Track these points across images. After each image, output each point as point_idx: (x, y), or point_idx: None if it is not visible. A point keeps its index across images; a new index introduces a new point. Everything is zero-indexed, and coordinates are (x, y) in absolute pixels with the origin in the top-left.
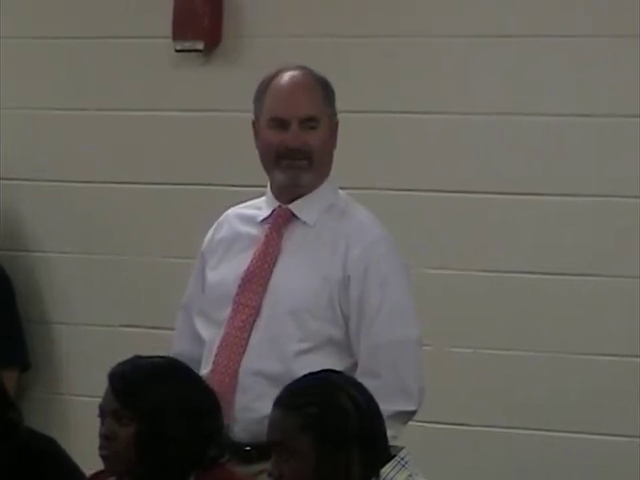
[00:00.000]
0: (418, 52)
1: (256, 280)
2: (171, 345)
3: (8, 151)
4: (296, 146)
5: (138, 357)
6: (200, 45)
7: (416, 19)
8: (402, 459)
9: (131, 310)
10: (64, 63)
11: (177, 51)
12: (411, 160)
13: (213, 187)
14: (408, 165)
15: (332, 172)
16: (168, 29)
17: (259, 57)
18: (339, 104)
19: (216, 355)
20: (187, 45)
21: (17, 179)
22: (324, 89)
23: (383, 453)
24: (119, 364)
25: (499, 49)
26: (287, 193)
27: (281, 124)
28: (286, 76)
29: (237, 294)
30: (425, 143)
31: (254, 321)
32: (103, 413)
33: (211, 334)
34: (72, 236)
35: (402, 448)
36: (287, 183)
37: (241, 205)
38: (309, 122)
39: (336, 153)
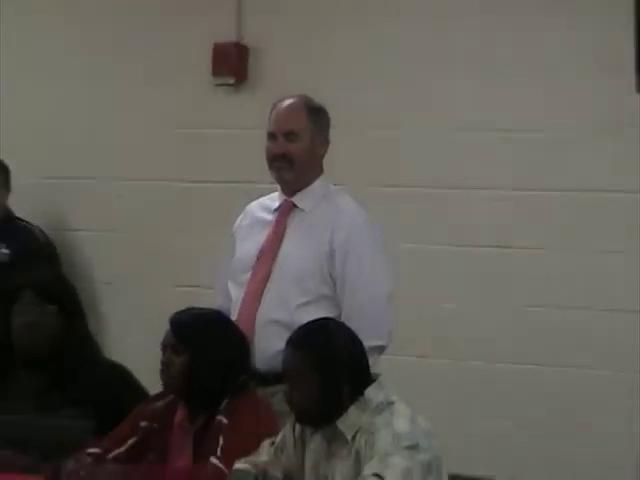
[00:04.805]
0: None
1: (268, 253)
2: (213, 301)
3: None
4: (279, 152)
5: (192, 308)
6: (231, 80)
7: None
8: (380, 383)
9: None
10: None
11: (216, 85)
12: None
13: (239, 184)
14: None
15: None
16: (209, 68)
17: (275, 90)
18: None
19: (240, 308)
20: (222, 80)
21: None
22: (309, 111)
23: (367, 379)
24: (177, 312)
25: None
26: (283, 188)
27: (273, 137)
28: (284, 101)
29: (255, 263)
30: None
31: (266, 282)
32: (165, 347)
33: (236, 292)
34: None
35: (380, 375)
36: (277, 180)
37: (262, 198)
38: (289, 135)
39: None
